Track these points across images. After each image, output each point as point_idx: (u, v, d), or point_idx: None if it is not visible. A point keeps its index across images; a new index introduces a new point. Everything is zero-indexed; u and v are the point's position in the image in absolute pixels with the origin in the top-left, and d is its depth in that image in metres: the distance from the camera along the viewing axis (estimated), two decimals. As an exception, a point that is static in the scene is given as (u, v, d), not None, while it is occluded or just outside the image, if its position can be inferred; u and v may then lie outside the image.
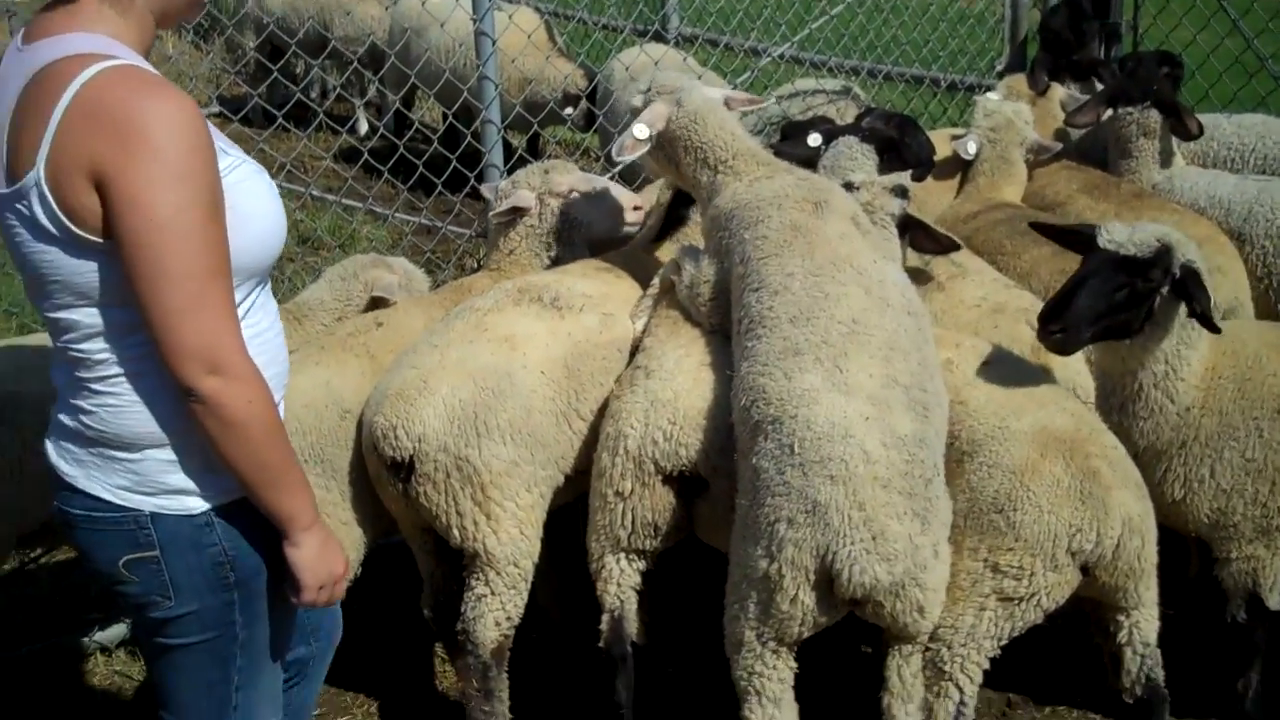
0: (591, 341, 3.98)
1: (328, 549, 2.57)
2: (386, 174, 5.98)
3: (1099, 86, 5.99)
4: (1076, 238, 3.82)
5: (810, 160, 4.95)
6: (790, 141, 5.14)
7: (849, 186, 4.26)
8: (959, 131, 5.70)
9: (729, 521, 3.43)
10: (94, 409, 2.47)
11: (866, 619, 3.26)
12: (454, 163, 5.67)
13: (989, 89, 6.51)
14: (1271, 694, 4.01)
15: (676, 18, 9.08)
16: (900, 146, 4.88)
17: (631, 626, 3.74)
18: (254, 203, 2.48)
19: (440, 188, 5.84)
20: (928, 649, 3.41)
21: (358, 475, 3.89)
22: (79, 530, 2.59)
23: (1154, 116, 5.34)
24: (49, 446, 2.59)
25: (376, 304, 4.58)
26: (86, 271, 2.35)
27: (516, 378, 3.77)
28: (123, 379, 2.44)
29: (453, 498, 3.70)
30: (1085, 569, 3.36)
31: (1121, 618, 3.49)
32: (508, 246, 4.58)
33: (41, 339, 3.97)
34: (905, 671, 3.39)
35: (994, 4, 8.42)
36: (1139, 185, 5.31)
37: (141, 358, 2.42)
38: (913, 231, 4.22)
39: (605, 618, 3.74)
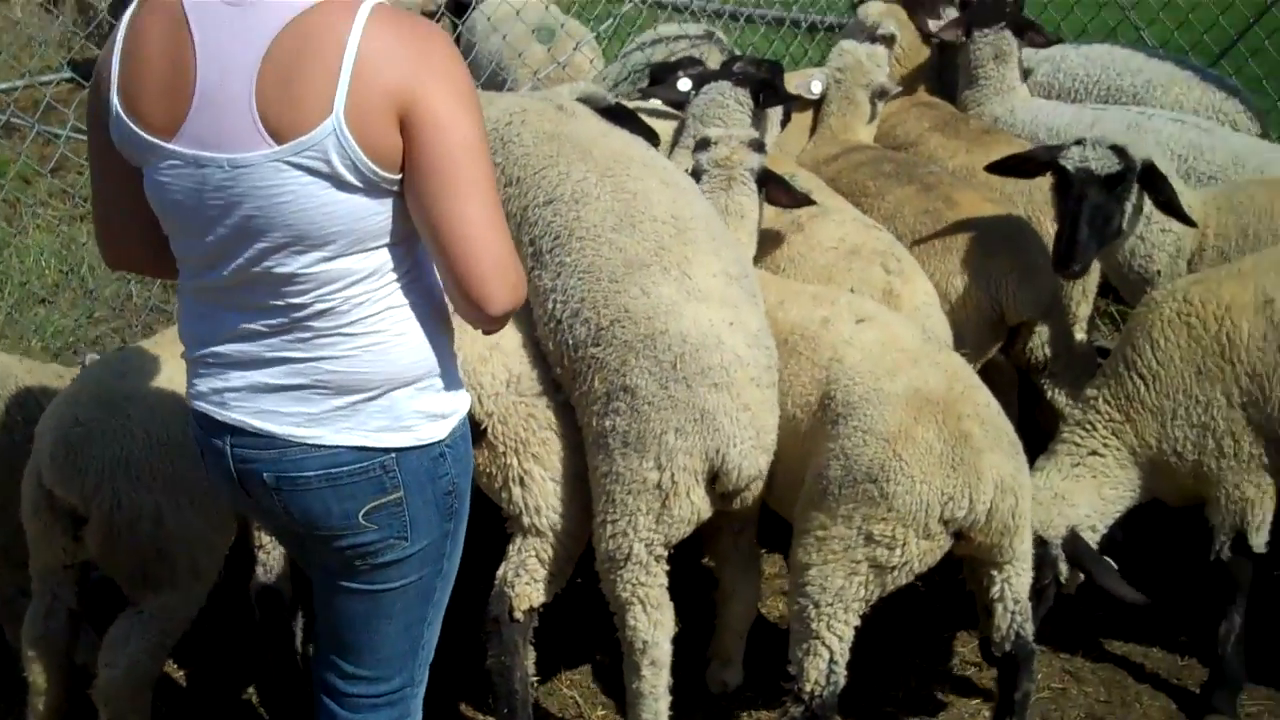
0: None
1: None
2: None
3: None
4: (1035, 162, 4.36)
5: (680, 104, 5.00)
6: (660, 86, 5.18)
7: (705, 143, 4.20)
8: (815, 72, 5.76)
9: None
10: (348, 354, 2.44)
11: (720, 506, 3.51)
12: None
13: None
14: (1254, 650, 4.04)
15: (537, -37, 8.97)
16: (777, 88, 4.88)
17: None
18: None
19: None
20: (795, 604, 3.44)
21: None
22: (310, 494, 2.51)
23: (1008, 38, 5.53)
24: (255, 421, 2.48)
25: None
26: (376, 213, 2.36)
27: None
28: (385, 316, 2.45)
29: None
30: (958, 533, 3.39)
31: (995, 572, 3.52)
32: None
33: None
34: (742, 543, 3.83)
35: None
36: (984, 122, 5.46)
37: (406, 290, 2.47)
38: (769, 186, 4.19)
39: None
